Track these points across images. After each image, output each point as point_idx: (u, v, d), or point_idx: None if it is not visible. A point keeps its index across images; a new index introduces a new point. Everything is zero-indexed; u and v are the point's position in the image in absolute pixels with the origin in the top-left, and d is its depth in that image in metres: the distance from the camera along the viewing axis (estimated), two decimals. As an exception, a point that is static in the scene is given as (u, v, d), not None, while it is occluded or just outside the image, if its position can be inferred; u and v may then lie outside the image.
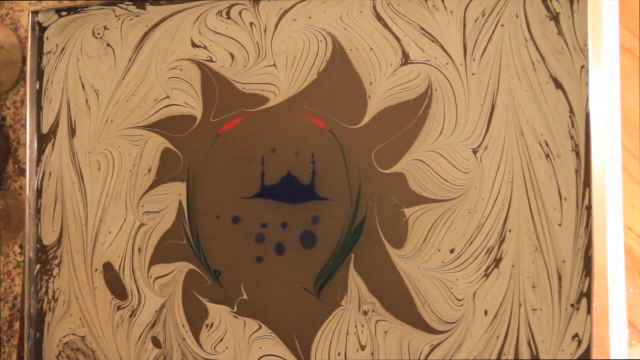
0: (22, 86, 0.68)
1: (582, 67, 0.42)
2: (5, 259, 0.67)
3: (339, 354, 0.47)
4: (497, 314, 0.43)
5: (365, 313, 0.46)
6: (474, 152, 0.44)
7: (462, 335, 0.44)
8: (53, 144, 0.57)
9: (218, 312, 0.50)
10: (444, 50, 0.46)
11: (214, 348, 0.50)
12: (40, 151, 0.57)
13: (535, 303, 0.42)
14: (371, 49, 0.48)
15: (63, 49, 0.58)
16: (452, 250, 0.44)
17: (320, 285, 0.47)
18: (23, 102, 0.68)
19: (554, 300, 0.42)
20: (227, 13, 0.52)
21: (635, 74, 0.53)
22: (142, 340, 0.53)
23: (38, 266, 0.57)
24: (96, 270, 0.55)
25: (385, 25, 0.47)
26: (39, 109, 0.58)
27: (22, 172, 0.67)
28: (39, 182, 0.57)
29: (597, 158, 0.41)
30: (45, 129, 0.58)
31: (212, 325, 0.51)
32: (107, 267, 0.54)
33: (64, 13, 0.58)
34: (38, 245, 0.57)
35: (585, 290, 0.41)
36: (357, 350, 0.46)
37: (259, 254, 0.49)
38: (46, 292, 0.56)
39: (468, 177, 0.44)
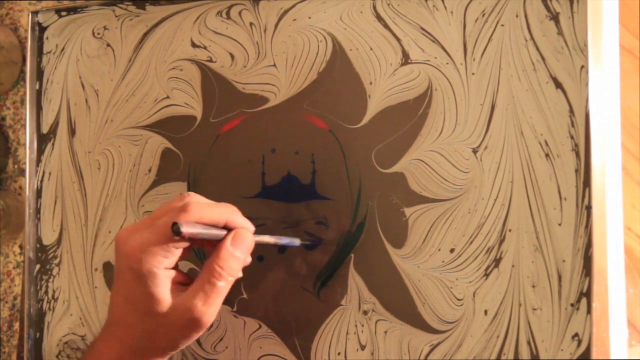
0: (22, 86, 0.68)
1: (582, 67, 0.42)
2: (5, 259, 0.67)
3: (339, 353, 0.47)
4: (497, 313, 0.43)
5: (365, 313, 0.46)
6: (474, 151, 0.44)
7: (462, 335, 0.44)
8: (53, 144, 0.57)
9: (218, 312, 0.50)
10: (444, 50, 0.46)
11: (214, 348, 0.50)
12: (40, 151, 0.57)
13: (535, 303, 0.42)
14: (371, 49, 0.48)
15: (63, 49, 0.58)
16: (452, 250, 0.44)
17: (320, 285, 0.47)
18: (23, 102, 0.68)
19: (554, 300, 0.42)
20: (227, 13, 0.52)
21: (635, 74, 0.53)
22: (142, 340, 0.53)
23: (38, 266, 0.57)
24: (96, 269, 0.55)
25: (386, 26, 0.47)
26: (38, 109, 0.58)
27: (22, 172, 0.67)
28: (39, 182, 0.57)
29: (597, 158, 0.41)
30: (45, 129, 0.57)
31: (212, 324, 0.50)
32: (108, 266, 0.54)
33: (63, 13, 0.58)
34: (38, 245, 0.57)
35: (585, 290, 0.41)
36: (357, 350, 0.46)
37: (260, 254, 0.49)
38: (46, 292, 0.56)
39: (468, 176, 0.44)
